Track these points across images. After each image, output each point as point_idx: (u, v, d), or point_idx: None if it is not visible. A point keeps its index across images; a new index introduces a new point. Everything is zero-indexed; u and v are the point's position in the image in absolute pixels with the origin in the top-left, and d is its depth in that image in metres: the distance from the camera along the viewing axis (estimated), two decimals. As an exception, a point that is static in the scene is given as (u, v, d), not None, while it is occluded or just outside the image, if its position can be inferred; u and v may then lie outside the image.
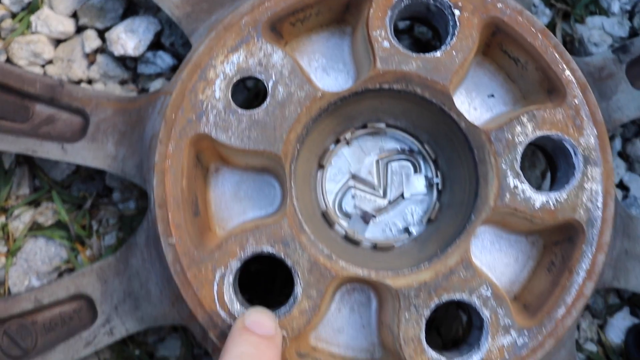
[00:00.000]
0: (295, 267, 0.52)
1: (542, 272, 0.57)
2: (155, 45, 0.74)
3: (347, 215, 0.61)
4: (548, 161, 0.61)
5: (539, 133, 0.54)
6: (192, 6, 0.62)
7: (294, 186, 0.55)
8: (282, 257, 0.52)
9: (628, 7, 0.76)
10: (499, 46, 0.58)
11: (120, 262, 0.62)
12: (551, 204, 0.54)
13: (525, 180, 0.54)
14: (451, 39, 0.55)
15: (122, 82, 0.74)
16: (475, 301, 0.52)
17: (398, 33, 0.74)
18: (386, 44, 0.54)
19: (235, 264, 0.53)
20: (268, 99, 0.54)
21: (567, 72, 0.55)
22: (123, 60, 0.74)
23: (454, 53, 0.54)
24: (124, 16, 0.74)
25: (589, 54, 0.74)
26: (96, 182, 0.74)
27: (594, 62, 0.66)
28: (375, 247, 0.60)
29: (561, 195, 0.54)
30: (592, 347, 0.72)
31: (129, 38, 0.71)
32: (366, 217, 0.60)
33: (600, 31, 0.74)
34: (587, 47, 0.74)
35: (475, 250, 0.58)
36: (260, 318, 0.49)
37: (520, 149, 0.54)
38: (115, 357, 0.71)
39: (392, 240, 0.60)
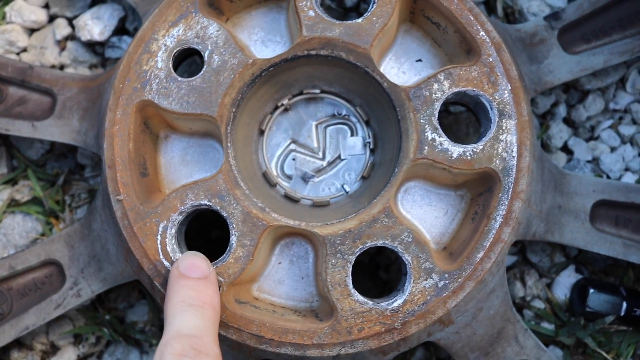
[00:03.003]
0: (230, 218, 0.57)
1: (467, 223, 0.60)
2: (121, 30, 0.80)
3: (289, 177, 0.66)
4: (477, 121, 0.65)
5: (455, 89, 0.58)
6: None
7: (230, 146, 0.59)
8: (218, 209, 0.57)
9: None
10: (421, 12, 0.62)
11: (84, 227, 0.68)
12: (468, 154, 0.57)
13: (443, 134, 0.58)
14: (372, 6, 0.59)
15: (92, 67, 0.80)
16: (398, 247, 0.56)
17: (347, 10, 0.78)
18: (311, 13, 0.59)
19: (176, 217, 0.58)
20: (204, 67, 0.59)
21: (482, 33, 0.59)
22: (92, 46, 0.80)
23: (374, 19, 0.59)
24: (91, 5, 0.80)
25: (527, 24, 0.77)
26: (68, 159, 0.80)
27: (526, 29, 0.70)
28: (313, 204, 0.64)
29: (477, 146, 0.58)
30: (539, 304, 0.76)
31: (95, 24, 0.77)
32: (305, 177, 0.64)
33: (539, 2, 0.78)
34: (527, 17, 0.77)
35: (407, 205, 0.62)
36: (192, 261, 0.54)
37: (437, 105, 0.58)
38: (90, 323, 0.76)
39: (328, 197, 0.64)
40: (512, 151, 0.58)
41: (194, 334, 0.49)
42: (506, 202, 0.57)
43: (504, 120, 0.58)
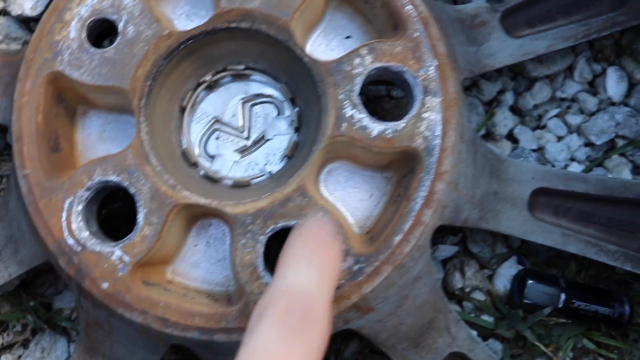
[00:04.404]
0: (138, 195, 0.54)
1: (391, 206, 0.58)
2: (54, 7, 0.77)
3: (211, 157, 0.63)
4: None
5: (377, 64, 0.55)
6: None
7: (143, 121, 0.57)
8: (126, 185, 0.55)
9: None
10: (349, -13, 0.60)
11: (2, 207, 0.65)
12: (388, 132, 0.55)
13: (364, 111, 0.55)
14: (294, -23, 0.57)
15: (25, 44, 0.77)
16: (312, 227, 0.54)
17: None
18: (231, -17, 0.56)
19: (83, 193, 0.55)
20: (119, 38, 0.57)
21: (409, 7, 0.57)
22: (27, 23, 0.77)
23: (296, -10, 0.56)
24: (26, -19, 0.78)
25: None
26: (-2, 140, 0.77)
27: (466, 10, 0.68)
28: (233, 184, 0.62)
29: (399, 124, 0.55)
30: (480, 295, 0.73)
31: (27, -1, 0.75)
32: (228, 157, 0.62)
33: (485, -14, 0.75)
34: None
35: (330, 187, 0.59)
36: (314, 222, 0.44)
37: (358, 80, 0.55)
38: (15, 309, 0.74)
39: (249, 177, 0.62)
40: (436, 130, 0.55)
41: (306, 294, 0.40)
42: (428, 183, 0.55)
43: (427, 98, 0.55)
